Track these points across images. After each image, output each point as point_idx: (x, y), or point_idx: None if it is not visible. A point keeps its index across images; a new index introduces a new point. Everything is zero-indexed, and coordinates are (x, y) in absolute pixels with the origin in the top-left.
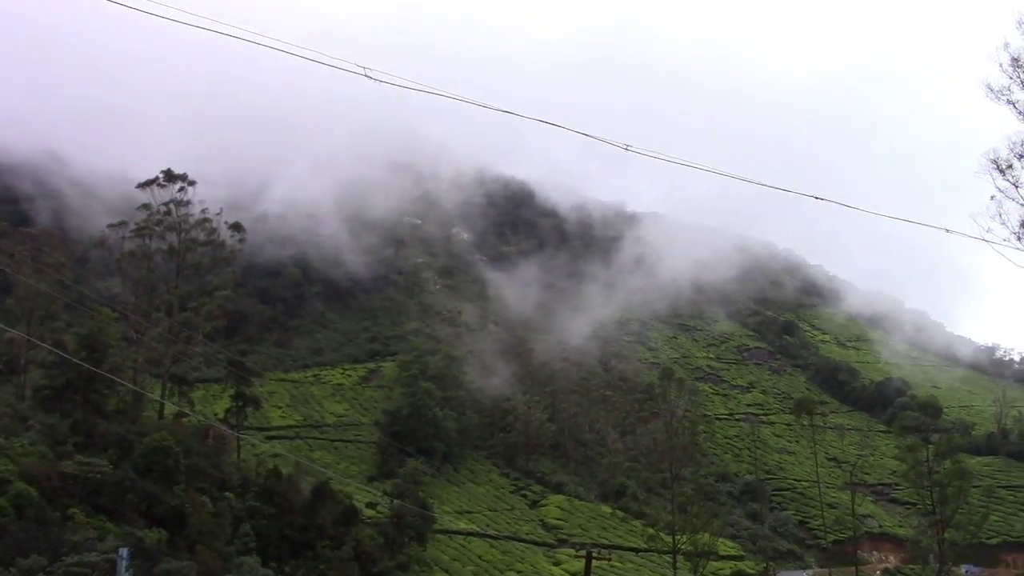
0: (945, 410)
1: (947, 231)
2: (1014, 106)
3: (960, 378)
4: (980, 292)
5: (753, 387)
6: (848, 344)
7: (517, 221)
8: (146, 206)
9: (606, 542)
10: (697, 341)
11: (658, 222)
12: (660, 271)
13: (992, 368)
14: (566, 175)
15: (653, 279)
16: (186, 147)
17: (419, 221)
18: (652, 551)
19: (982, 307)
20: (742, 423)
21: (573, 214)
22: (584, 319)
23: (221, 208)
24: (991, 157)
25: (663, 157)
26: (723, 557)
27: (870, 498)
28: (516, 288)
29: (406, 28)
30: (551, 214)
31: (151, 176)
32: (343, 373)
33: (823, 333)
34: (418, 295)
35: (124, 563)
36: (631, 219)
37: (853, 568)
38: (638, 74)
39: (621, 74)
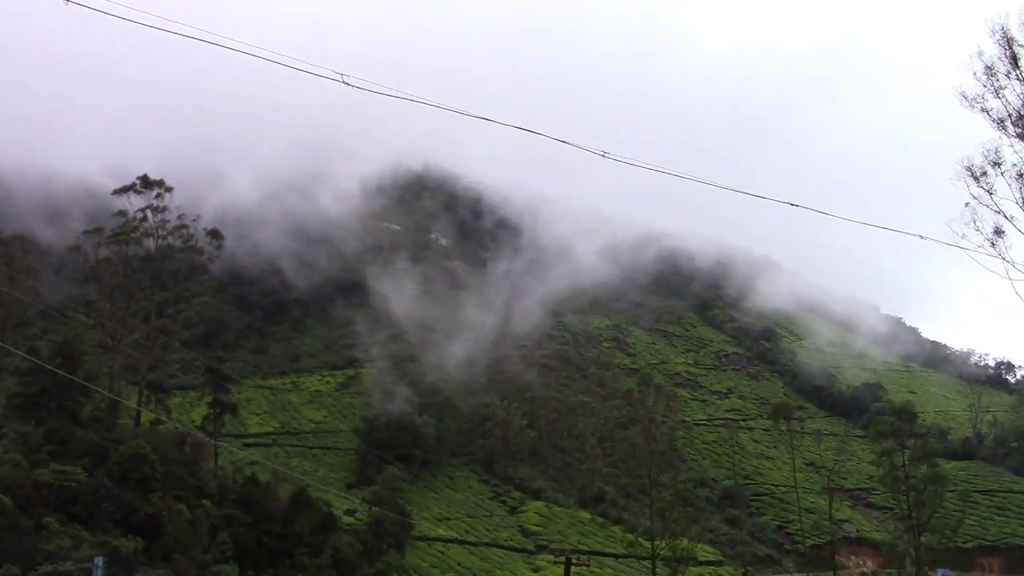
0: (921, 415)
1: (921, 237)
2: (988, 114)
3: (935, 383)
4: (955, 298)
5: (731, 393)
6: (825, 350)
7: (485, 225)
8: (122, 212)
9: (585, 548)
10: (675, 347)
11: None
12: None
13: (967, 373)
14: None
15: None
16: (122, 147)
17: (397, 227)
18: (631, 557)
19: (957, 313)
20: (720, 429)
21: (533, 219)
22: (553, 323)
23: (198, 215)
24: (966, 164)
25: (639, 163)
26: (702, 562)
27: (847, 503)
28: (490, 293)
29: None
30: (511, 219)
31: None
32: (321, 380)
33: (801, 339)
34: (396, 301)
35: (99, 572)
36: (604, 221)
37: (831, 573)
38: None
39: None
